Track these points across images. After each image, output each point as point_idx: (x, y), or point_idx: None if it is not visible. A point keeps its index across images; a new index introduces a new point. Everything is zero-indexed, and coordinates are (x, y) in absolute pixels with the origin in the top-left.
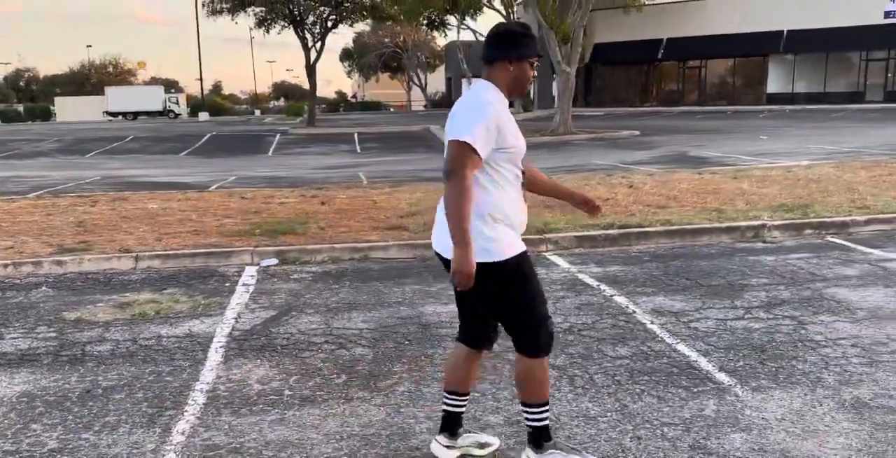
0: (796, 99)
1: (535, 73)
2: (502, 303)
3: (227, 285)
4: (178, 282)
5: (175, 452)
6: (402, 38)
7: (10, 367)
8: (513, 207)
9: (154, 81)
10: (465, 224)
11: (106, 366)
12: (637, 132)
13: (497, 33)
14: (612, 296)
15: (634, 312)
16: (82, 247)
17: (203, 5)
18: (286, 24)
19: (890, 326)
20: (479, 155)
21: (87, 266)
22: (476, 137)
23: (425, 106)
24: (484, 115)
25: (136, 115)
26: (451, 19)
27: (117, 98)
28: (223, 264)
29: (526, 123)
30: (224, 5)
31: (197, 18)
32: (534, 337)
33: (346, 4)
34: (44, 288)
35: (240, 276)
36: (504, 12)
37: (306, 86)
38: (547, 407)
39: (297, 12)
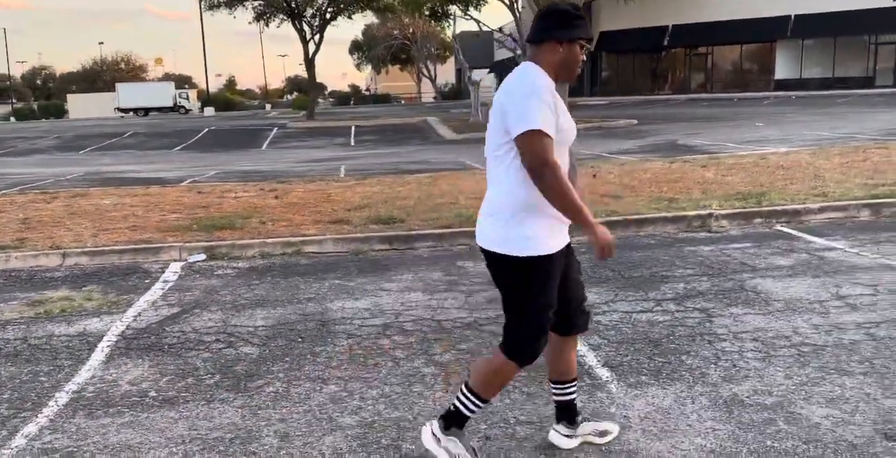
0: (805, 85)
1: (585, 57)
2: (510, 298)
3: (147, 281)
4: (100, 279)
5: (10, 456)
6: (410, 30)
7: None
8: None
9: (168, 77)
10: (578, 207)
11: None
12: (635, 121)
13: (547, 13)
14: None
15: None
16: (15, 244)
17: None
18: (285, 17)
19: (801, 318)
20: (551, 137)
21: (13, 264)
22: (544, 122)
23: (435, 98)
24: (541, 98)
25: (146, 111)
26: (455, 9)
27: (128, 94)
28: (151, 260)
29: None
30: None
31: (201, 13)
32: (522, 343)
33: None
34: None
35: (163, 272)
36: (507, 1)
37: (318, 79)
38: (482, 406)
39: (294, 5)
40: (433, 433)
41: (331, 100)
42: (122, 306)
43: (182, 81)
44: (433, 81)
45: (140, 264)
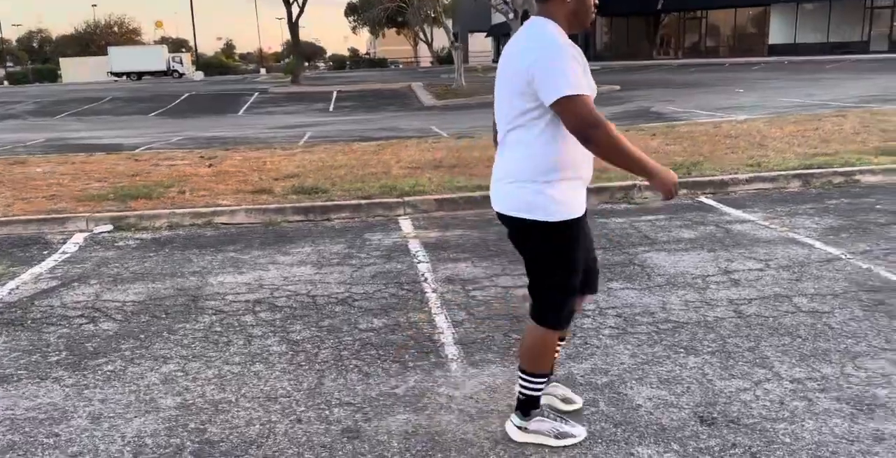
0: (799, 50)
1: (597, 1)
2: (538, 263)
3: (46, 253)
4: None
5: None
6: None
7: None
8: (581, 159)
9: (165, 41)
10: (642, 160)
11: None
12: (618, 87)
13: None
14: (418, 263)
15: (425, 280)
16: None
17: None
18: None
19: (676, 294)
20: (588, 94)
21: None
22: (578, 84)
23: (432, 62)
24: (565, 56)
25: (139, 75)
26: None
27: (120, 58)
28: (57, 230)
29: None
30: None
31: None
32: (556, 309)
33: None
34: None
35: (64, 244)
36: None
37: (318, 43)
38: (545, 379)
39: None
40: (517, 427)
41: (330, 64)
42: (4, 279)
43: (179, 45)
44: (429, 45)
45: (44, 234)
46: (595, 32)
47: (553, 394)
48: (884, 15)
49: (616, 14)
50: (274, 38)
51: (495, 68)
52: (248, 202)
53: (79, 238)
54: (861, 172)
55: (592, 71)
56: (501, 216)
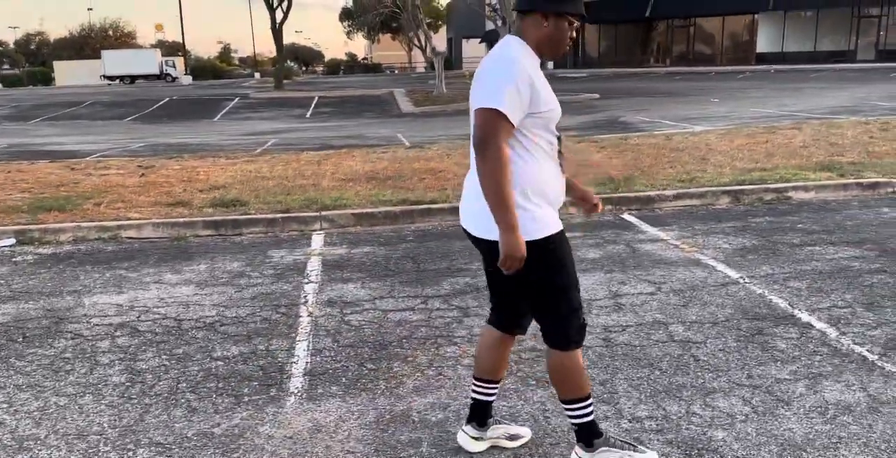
0: (787, 58)
1: (574, 34)
2: (534, 287)
3: None
4: None
5: None
6: None
7: None
8: (549, 180)
9: (161, 45)
10: (509, 202)
11: None
12: (597, 95)
13: None
14: (306, 284)
15: (305, 302)
16: None
17: None
18: None
19: None
20: (511, 122)
21: None
22: (505, 102)
23: (426, 68)
24: (511, 74)
25: (133, 79)
26: None
27: (113, 62)
28: None
29: None
30: None
31: None
32: (565, 328)
33: None
34: None
35: None
36: None
37: (316, 48)
38: (590, 401)
39: None
40: None
41: (323, 69)
42: None
43: (175, 49)
44: (423, 50)
45: None
46: (582, 39)
47: (494, 436)
48: (871, 24)
49: (606, 21)
50: (272, 42)
51: None
52: (160, 215)
53: None
54: (794, 188)
55: (578, 78)
56: (475, 239)
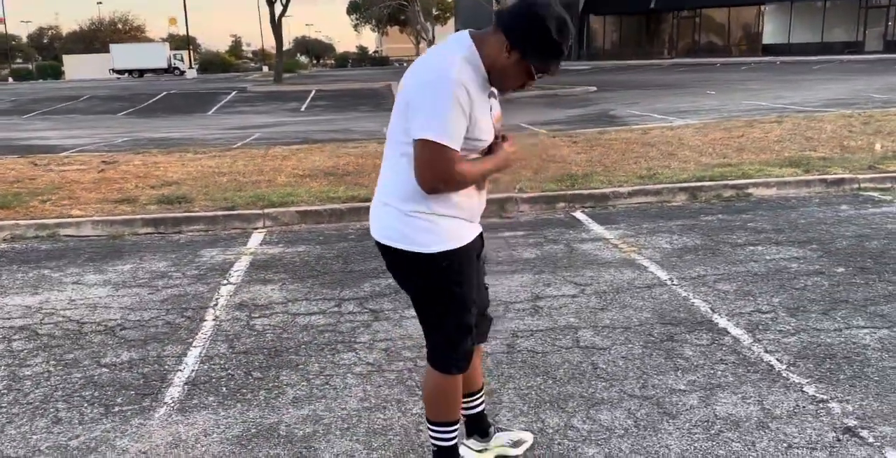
0: (793, 50)
1: (531, 82)
2: (425, 304)
3: None
4: None
5: None
6: None
7: None
8: (466, 191)
9: (172, 38)
10: (484, 170)
11: None
12: (594, 88)
13: (529, 9)
14: (224, 285)
15: (216, 305)
16: None
17: None
18: None
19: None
20: (455, 149)
21: None
22: (447, 131)
23: None
24: (448, 97)
25: (141, 72)
26: None
27: (122, 56)
28: None
29: None
30: None
31: None
32: (451, 351)
33: None
34: None
35: None
36: None
37: (326, 41)
38: (456, 428)
39: None
40: None
41: (331, 62)
42: None
43: (187, 43)
44: (430, 43)
45: None
46: (585, 31)
47: (499, 445)
48: (878, 14)
49: (610, 13)
50: (283, 36)
51: None
52: (102, 213)
53: None
54: (755, 184)
55: (582, 71)
56: (377, 244)
